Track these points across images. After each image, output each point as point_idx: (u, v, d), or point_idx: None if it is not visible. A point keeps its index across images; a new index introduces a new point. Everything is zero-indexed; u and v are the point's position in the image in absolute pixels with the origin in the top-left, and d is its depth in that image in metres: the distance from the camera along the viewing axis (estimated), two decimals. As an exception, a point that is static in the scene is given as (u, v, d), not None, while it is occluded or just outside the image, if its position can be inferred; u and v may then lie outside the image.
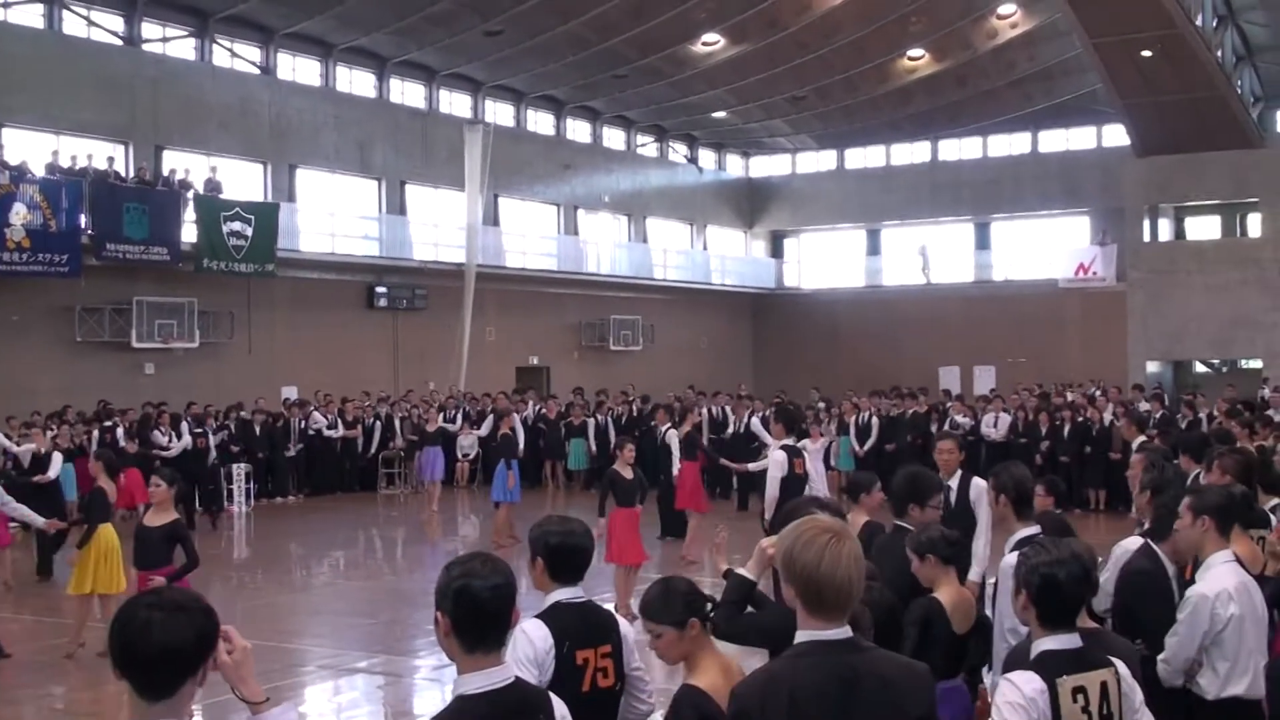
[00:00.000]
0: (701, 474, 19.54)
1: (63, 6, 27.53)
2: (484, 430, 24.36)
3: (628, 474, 13.86)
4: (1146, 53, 30.82)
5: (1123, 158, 36.80)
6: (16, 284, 24.77)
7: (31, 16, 27.35)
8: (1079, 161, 41.12)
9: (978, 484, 8.84)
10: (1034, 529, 6.30)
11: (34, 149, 25.92)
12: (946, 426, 24.78)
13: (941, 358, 39.21)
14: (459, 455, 25.90)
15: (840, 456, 25.05)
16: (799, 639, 3.32)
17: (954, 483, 8.98)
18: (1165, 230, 37.43)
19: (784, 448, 13.00)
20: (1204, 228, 38.17)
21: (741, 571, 4.72)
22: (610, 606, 13.38)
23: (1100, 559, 6.76)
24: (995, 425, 24.32)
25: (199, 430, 23.55)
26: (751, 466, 17.10)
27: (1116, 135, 38.18)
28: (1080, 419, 23.49)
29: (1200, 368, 38.06)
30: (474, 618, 3.44)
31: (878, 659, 3.38)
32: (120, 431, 23.07)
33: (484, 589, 3.45)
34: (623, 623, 4.65)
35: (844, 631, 3.30)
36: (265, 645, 11.46)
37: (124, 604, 2.92)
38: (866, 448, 24.94)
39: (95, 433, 22.78)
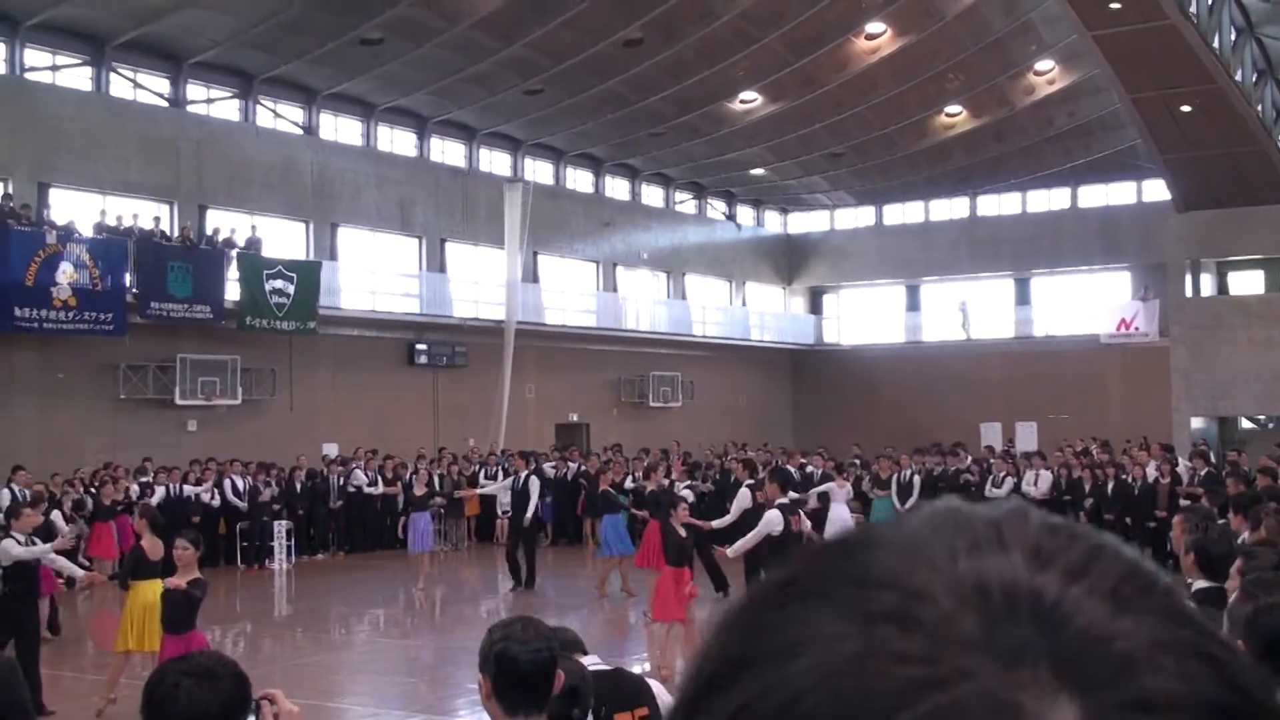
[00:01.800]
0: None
1: (110, 69, 27.99)
2: (505, 484, 23.97)
3: (681, 532, 13.84)
4: (1186, 108, 30.74)
5: (1163, 213, 36.60)
6: (62, 342, 25.05)
7: (79, 79, 27.82)
8: (1119, 217, 40.97)
9: None
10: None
11: (81, 209, 26.27)
12: (990, 485, 24.68)
13: (982, 414, 38.99)
14: (499, 513, 25.87)
15: (876, 514, 24.87)
16: None
17: None
18: (1207, 285, 37.16)
19: (779, 506, 13.08)
20: (1247, 283, 37.85)
21: None
22: (644, 668, 13.34)
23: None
24: (1036, 483, 24.10)
25: (251, 486, 23.96)
26: (715, 523, 16.85)
27: (1157, 190, 38.01)
28: (1124, 476, 23.26)
29: (1246, 424, 37.65)
30: (514, 681, 3.44)
31: None
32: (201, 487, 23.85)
33: (524, 653, 3.45)
34: (656, 686, 4.61)
35: None
36: (307, 704, 11.39)
37: (156, 669, 2.95)
38: (908, 506, 24.61)
39: (135, 487, 23.03)
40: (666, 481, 22.01)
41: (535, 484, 21.42)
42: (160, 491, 23.20)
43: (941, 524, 0.58)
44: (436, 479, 27.82)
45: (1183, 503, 20.20)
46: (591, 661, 4.45)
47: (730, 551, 14.20)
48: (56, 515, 19.42)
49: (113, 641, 12.19)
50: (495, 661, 3.45)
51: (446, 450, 29.91)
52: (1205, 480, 20.91)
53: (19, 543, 12.21)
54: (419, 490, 22.28)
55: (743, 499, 16.74)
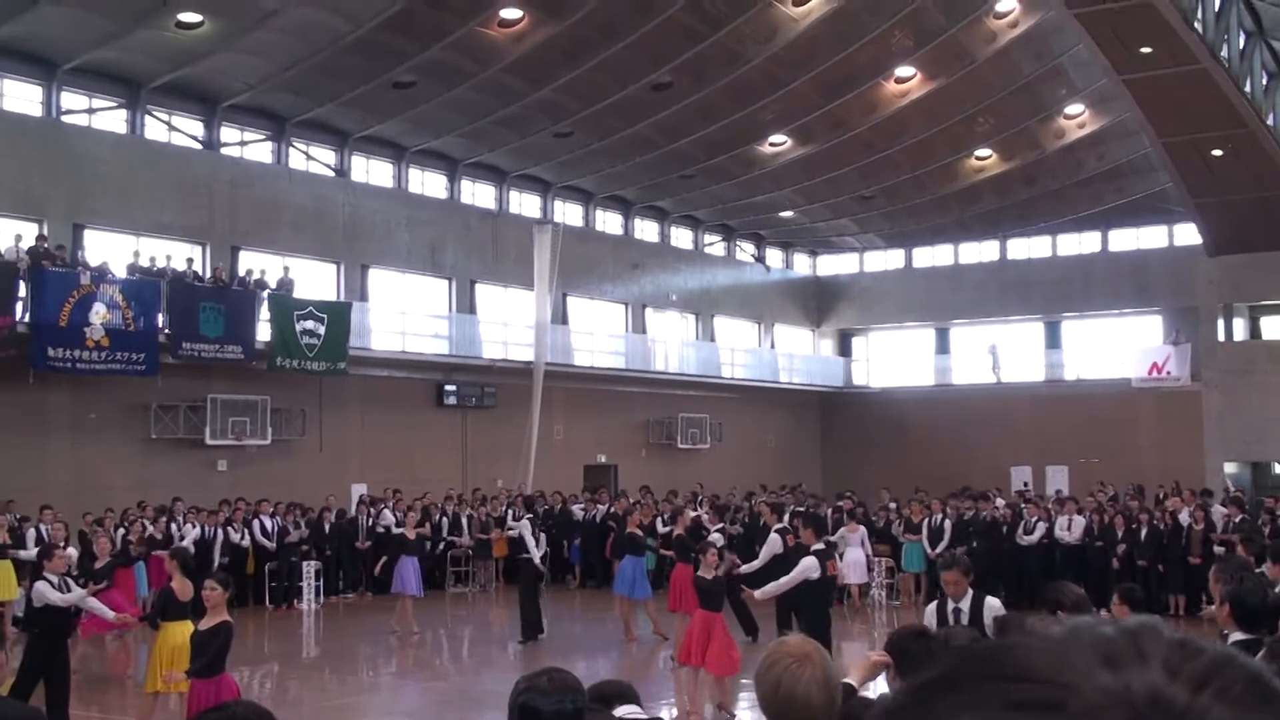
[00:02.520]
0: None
1: (145, 112, 28.29)
2: (515, 533, 23.71)
3: (709, 576, 13.77)
4: (1217, 152, 30.66)
5: (1194, 256, 36.43)
6: (95, 382, 25.21)
7: (115, 122, 28.12)
8: (1150, 260, 40.82)
9: (991, 603, 8.54)
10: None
11: (115, 250, 26.50)
12: (1021, 530, 24.47)
13: (1012, 457, 38.79)
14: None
15: (908, 558, 24.74)
16: None
17: (965, 604, 8.63)
18: (1240, 329, 36.93)
19: (815, 552, 13.08)
20: (1280, 327, 37.65)
21: (847, 680, 4.64)
22: (671, 713, 13.25)
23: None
24: (1069, 528, 23.89)
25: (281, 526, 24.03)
26: (744, 568, 16.73)
27: (1188, 234, 37.85)
28: (1156, 522, 23.03)
29: (1279, 469, 37.31)
30: (538, 735, 3.42)
31: None
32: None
33: (547, 705, 3.44)
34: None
35: None
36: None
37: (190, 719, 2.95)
38: (939, 550, 24.30)
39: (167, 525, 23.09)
40: (702, 517, 21.98)
41: (526, 526, 20.29)
42: (193, 532, 23.25)
43: (1076, 636, 0.61)
44: (465, 520, 27.87)
45: (1217, 549, 20.05)
46: (630, 710, 4.43)
47: (759, 594, 14.07)
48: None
49: (150, 682, 12.17)
50: (519, 713, 3.44)
51: (479, 491, 29.93)
52: (1239, 527, 20.69)
53: (52, 585, 12.24)
54: (411, 534, 21.66)
55: (773, 544, 16.66)
